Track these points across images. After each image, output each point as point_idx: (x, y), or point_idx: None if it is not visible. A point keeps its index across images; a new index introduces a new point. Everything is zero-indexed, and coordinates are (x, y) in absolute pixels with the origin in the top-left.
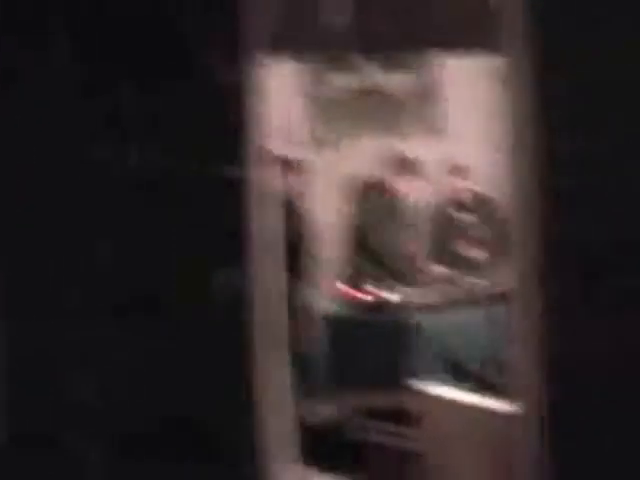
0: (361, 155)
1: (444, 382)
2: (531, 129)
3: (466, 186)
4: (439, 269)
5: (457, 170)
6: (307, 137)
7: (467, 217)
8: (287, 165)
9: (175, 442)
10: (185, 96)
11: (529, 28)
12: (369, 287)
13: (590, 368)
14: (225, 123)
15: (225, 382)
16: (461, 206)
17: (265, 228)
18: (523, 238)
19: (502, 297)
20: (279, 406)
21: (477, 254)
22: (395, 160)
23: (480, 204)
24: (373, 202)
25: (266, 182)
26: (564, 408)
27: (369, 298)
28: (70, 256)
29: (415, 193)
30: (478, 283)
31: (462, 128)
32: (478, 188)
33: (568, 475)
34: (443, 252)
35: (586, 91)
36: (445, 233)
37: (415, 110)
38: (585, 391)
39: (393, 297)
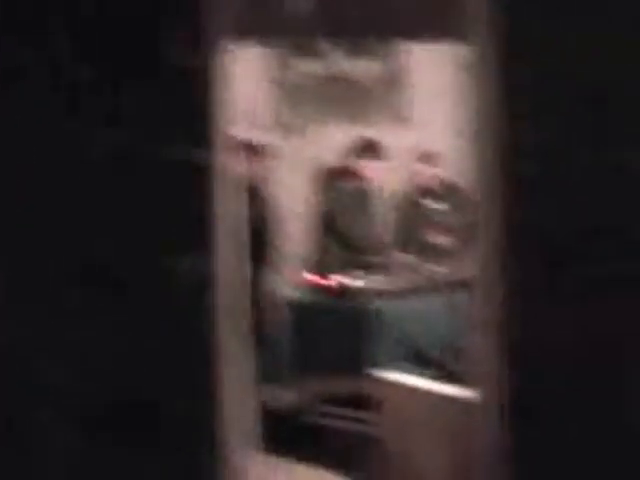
0: (327, 141)
1: (405, 369)
2: (495, 116)
3: (435, 173)
4: (402, 256)
5: (426, 157)
6: (273, 123)
7: (436, 204)
8: (252, 150)
9: (136, 427)
10: (150, 81)
11: (493, 16)
12: (333, 273)
13: (551, 356)
14: (190, 108)
15: (187, 368)
16: (430, 193)
17: (229, 213)
18: (486, 224)
19: (464, 284)
20: (241, 392)
21: (445, 242)
22: (362, 146)
23: (449, 191)
24: (339, 189)
25: (231, 167)
26: (524, 395)
27: (333, 284)
28: (37, 239)
29: (382, 180)
30: (440, 270)
31: (428, 115)
32: (446, 175)
33: (528, 463)
34: (410, 239)
35: (550, 79)
36: (413, 220)
37: (381, 97)
38: (546, 379)
39: (356, 284)
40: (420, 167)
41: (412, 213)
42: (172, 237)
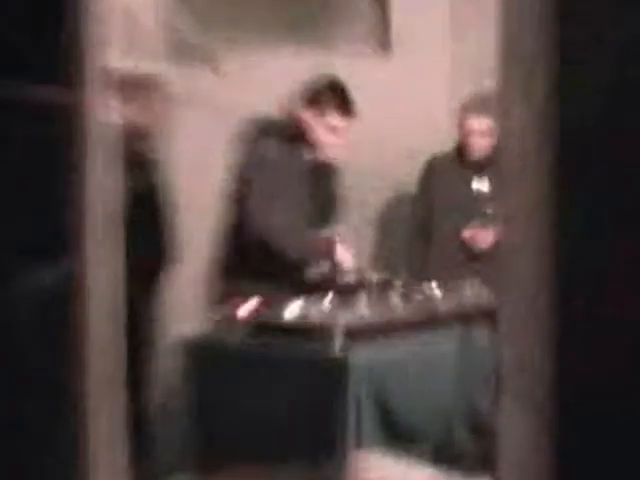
0: (260, 78)
1: (385, 450)
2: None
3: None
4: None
5: (473, 106)
6: (174, 49)
7: (483, 187)
8: (142, 90)
9: None
10: None
11: None
12: (265, 296)
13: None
14: (52, 29)
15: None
16: (473, 167)
17: (104, 189)
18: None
19: (486, 316)
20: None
21: (483, 243)
22: (315, 88)
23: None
24: (275, 155)
25: (109, 115)
26: None
27: (265, 315)
28: None
29: (346, 144)
30: (446, 296)
31: (412, 36)
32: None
33: None
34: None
35: None
36: (425, 211)
37: (347, 10)
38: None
39: (304, 314)
40: (466, 122)
41: (424, 200)
42: (18, 227)
